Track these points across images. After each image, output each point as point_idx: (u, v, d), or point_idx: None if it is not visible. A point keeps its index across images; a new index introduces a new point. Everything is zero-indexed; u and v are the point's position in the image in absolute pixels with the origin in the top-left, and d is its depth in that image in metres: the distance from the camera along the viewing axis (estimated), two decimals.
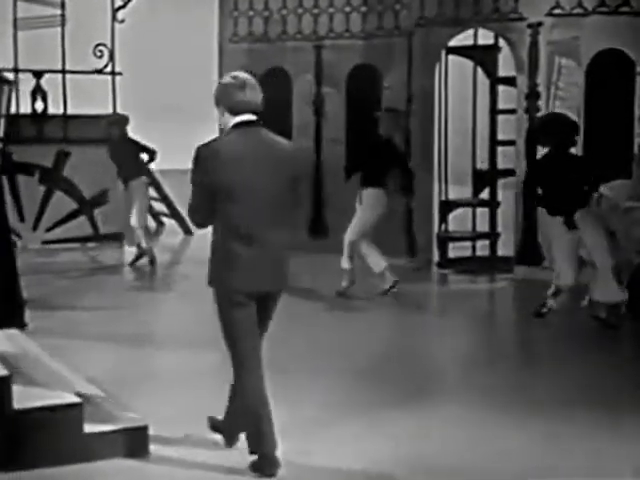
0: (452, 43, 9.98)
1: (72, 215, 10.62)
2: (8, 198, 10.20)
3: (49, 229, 10.59)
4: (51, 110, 10.61)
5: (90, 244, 10.64)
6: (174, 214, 12.11)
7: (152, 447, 4.40)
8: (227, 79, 4.21)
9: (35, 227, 10.55)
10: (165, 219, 12.42)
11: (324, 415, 5.03)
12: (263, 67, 10.76)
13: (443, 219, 10.04)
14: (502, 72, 10.12)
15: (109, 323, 7.13)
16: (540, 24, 9.29)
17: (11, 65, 10.34)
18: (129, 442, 4.32)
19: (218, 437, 4.52)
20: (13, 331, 5.87)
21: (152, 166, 11.93)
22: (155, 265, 9.53)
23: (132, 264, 9.55)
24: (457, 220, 10.47)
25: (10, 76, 7.13)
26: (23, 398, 4.18)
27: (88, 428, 4.25)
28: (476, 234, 10.17)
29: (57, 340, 6.35)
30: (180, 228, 12.08)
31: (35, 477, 4.10)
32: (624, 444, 4.65)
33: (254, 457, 4.22)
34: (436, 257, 10.00)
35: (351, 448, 4.57)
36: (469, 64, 10.22)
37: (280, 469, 4.17)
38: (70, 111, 10.63)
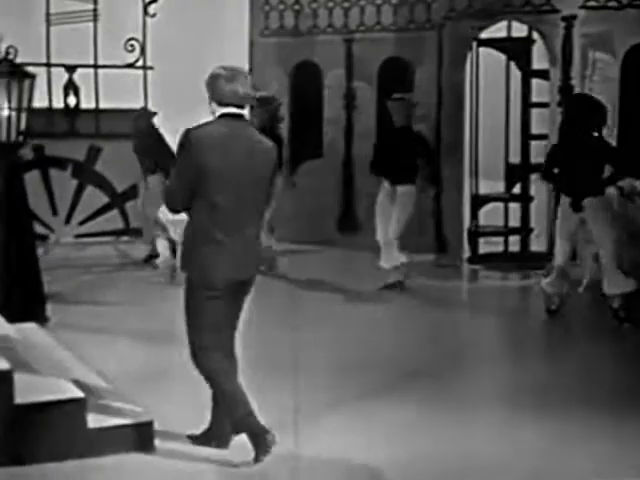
0: (485, 35, 9.86)
1: (104, 209, 10.67)
2: (41, 192, 10.46)
3: (81, 223, 10.65)
4: (83, 105, 10.66)
5: (121, 238, 10.66)
6: None
7: (158, 442, 4.39)
8: (217, 70, 4.23)
9: (67, 221, 10.61)
10: None
11: (365, 408, 5.05)
12: (294, 61, 10.76)
13: (474, 214, 9.91)
14: (535, 65, 9.97)
15: (130, 318, 7.13)
16: (574, 17, 9.13)
17: (44, 60, 10.44)
18: (134, 437, 4.31)
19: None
20: (30, 325, 5.91)
21: None
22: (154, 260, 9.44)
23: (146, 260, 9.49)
24: (489, 215, 10.34)
25: (32, 70, 7.11)
26: (27, 393, 4.19)
27: (92, 423, 4.24)
28: (507, 229, 10.03)
29: (76, 334, 6.38)
30: None
31: (38, 472, 4.10)
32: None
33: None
34: (467, 253, 9.89)
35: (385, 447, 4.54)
36: (503, 57, 10.08)
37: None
38: (102, 105, 10.67)
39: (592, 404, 5.20)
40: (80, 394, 4.26)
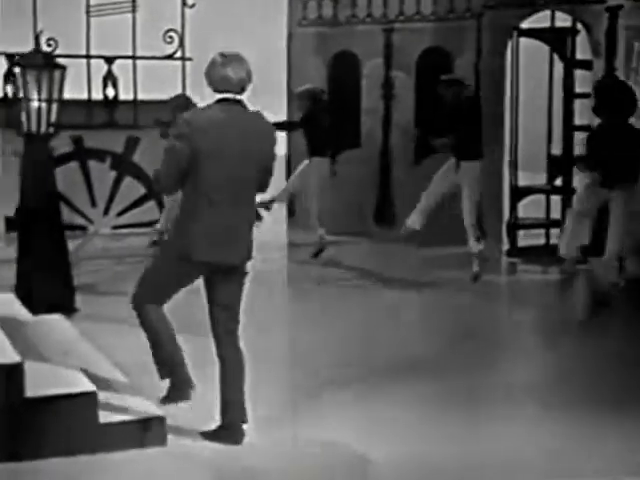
0: (528, 25, 9.66)
1: (141, 200, 10.69)
2: (80, 184, 10.52)
3: (119, 214, 10.69)
4: (122, 96, 10.69)
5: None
6: None
7: (170, 437, 4.35)
8: (214, 56, 4.28)
9: (106, 212, 10.66)
10: None
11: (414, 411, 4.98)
12: (332, 51, 10.67)
13: (513, 206, 9.73)
14: (579, 55, 9.74)
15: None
16: (620, 7, 8.90)
17: (83, 51, 10.48)
18: (145, 432, 4.26)
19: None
20: (56, 316, 5.91)
21: None
22: None
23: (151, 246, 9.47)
24: (531, 208, 10.15)
25: (62, 61, 7.12)
26: (39, 386, 4.17)
27: (104, 418, 4.21)
28: (547, 222, 9.82)
29: (102, 325, 6.39)
30: None
31: (48, 467, 4.08)
32: None
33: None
34: (506, 245, 9.72)
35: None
36: (545, 47, 9.87)
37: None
38: (140, 97, 10.69)
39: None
40: (91, 388, 4.24)
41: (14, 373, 4.04)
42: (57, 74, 6.78)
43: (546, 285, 8.81)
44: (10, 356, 4.15)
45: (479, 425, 4.80)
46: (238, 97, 4.22)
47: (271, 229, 11.08)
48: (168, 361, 4.45)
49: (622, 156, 6.96)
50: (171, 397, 4.50)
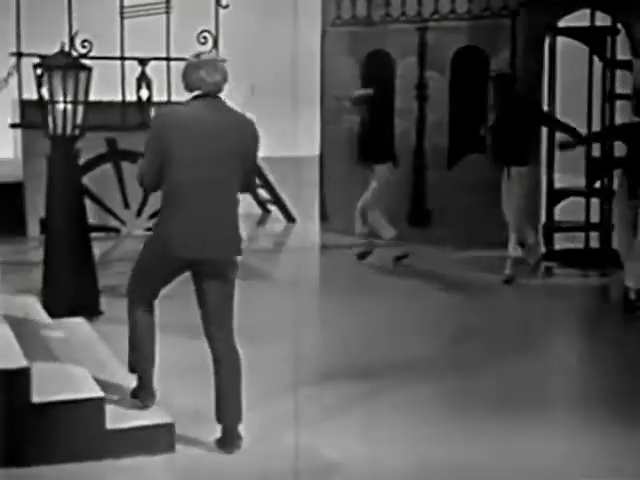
0: (566, 24, 9.45)
1: None
2: (114, 185, 10.52)
3: (151, 216, 10.65)
4: (156, 97, 10.67)
5: None
6: (277, 201, 12.00)
7: (179, 444, 4.28)
8: (189, 59, 4.30)
9: (139, 214, 10.66)
10: (271, 206, 12.32)
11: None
12: (366, 50, 10.56)
13: (550, 208, 9.52)
14: (620, 55, 9.50)
15: (178, 312, 7.03)
16: None
17: (118, 53, 10.49)
18: (154, 439, 4.20)
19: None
20: (77, 319, 5.88)
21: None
22: None
23: None
24: (570, 211, 9.93)
25: (88, 62, 7.10)
26: (47, 391, 4.12)
27: (111, 424, 4.15)
28: (585, 225, 9.58)
29: (125, 328, 6.33)
30: (283, 216, 11.97)
31: (54, 473, 4.03)
32: None
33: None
34: (543, 249, 9.52)
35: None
36: (585, 46, 9.65)
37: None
38: (174, 98, 10.65)
39: None
40: (99, 394, 4.17)
41: (20, 378, 3.99)
42: (83, 75, 6.75)
43: (583, 289, 8.60)
44: (17, 360, 4.11)
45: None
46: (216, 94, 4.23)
47: (304, 233, 11.04)
48: (138, 367, 4.47)
49: None
50: (134, 395, 4.48)
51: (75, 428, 4.07)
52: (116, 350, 5.29)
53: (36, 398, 4.02)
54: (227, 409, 4.27)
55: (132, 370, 4.52)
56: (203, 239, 4.18)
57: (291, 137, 12.30)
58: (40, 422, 4.02)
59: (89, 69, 6.86)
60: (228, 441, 4.27)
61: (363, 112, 8.88)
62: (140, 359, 4.44)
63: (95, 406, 4.09)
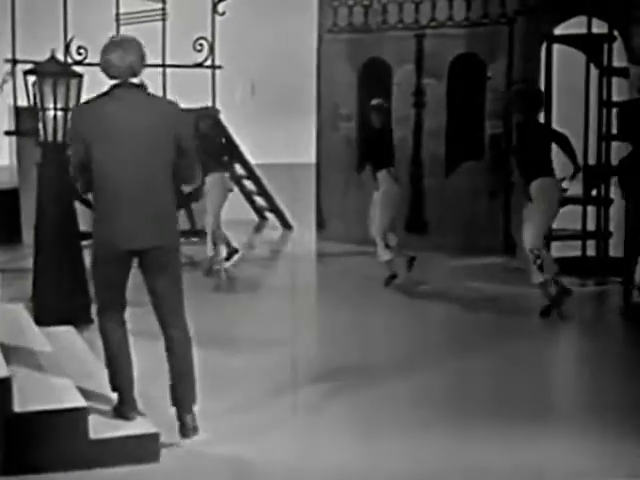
0: (563, 32, 9.43)
1: None
2: None
3: None
4: None
5: (190, 239, 10.59)
6: (273, 208, 11.97)
7: (164, 453, 4.23)
8: (105, 42, 4.29)
9: None
10: (267, 214, 12.30)
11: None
12: (363, 57, 10.55)
13: None
14: (616, 63, 9.46)
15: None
16: None
17: None
18: (138, 449, 4.14)
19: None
20: (66, 328, 5.83)
21: (251, 160, 11.87)
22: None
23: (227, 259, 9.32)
24: (567, 218, 9.88)
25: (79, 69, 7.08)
26: (29, 400, 4.07)
27: (95, 434, 4.09)
28: (581, 233, 9.53)
29: None
30: (280, 223, 11.93)
31: None
32: None
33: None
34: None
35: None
36: (582, 54, 9.61)
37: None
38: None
39: None
40: (83, 403, 4.12)
41: (1, 387, 3.94)
42: (74, 82, 6.72)
43: (580, 297, 8.55)
44: None
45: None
46: (134, 81, 4.20)
47: (300, 240, 11.00)
48: (116, 380, 4.40)
49: None
50: (117, 411, 4.40)
51: (58, 438, 4.01)
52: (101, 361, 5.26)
53: (18, 408, 3.97)
54: (181, 392, 4.33)
55: (113, 389, 4.43)
56: (140, 230, 4.20)
57: (288, 144, 12.27)
58: (22, 432, 3.97)
59: (80, 76, 6.82)
60: (184, 425, 4.29)
61: (376, 120, 8.71)
62: (115, 375, 4.38)
63: (78, 416, 4.03)
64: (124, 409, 4.34)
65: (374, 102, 8.84)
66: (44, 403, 4.09)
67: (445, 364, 5.98)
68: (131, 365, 4.41)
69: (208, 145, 9.12)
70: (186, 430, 4.29)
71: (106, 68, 4.20)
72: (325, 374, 5.65)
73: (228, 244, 9.10)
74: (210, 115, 9.44)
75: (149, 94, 4.30)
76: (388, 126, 8.75)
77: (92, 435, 4.07)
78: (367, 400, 5.22)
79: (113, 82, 4.23)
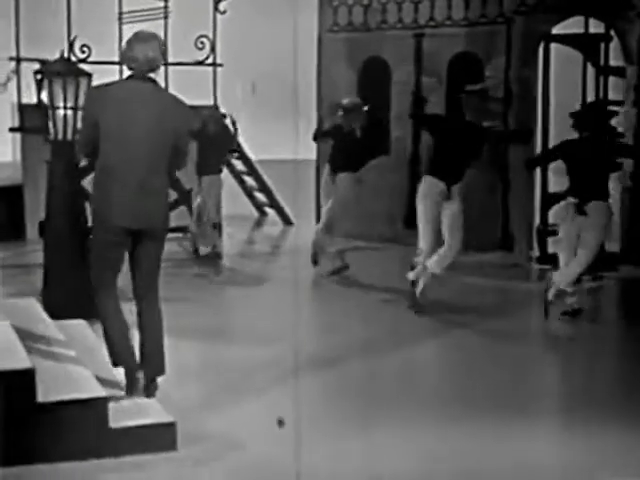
0: (560, 31, 9.58)
1: (172, 206, 10.69)
2: None
3: None
4: None
5: (185, 234, 10.70)
6: (274, 204, 12.11)
7: (180, 443, 4.38)
8: (129, 36, 4.66)
9: None
10: (268, 209, 12.44)
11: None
12: (363, 56, 10.67)
13: (543, 212, 9.64)
14: (613, 62, 9.62)
15: (180, 314, 7.15)
16: None
17: (116, 57, 10.56)
18: (156, 438, 4.29)
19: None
20: (78, 321, 5.96)
21: (252, 156, 12.00)
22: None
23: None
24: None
25: (87, 68, 7.19)
26: (51, 391, 4.22)
27: (114, 423, 4.25)
28: None
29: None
30: (280, 218, 12.07)
31: (57, 471, 4.12)
32: None
33: None
34: (537, 252, 9.64)
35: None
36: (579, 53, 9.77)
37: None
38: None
39: None
40: (102, 393, 4.27)
41: (25, 378, 4.09)
42: (83, 82, 6.84)
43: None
44: (22, 361, 4.20)
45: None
46: (150, 75, 4.52)
47: (301, 235, 11.12)
48: (115, 355, 4.72)
49: None
50: (127, 389, 4.68)
51: (79, 427, 4.16)
52: None
53: (41, 398, 4.12)
54: (150, 361, 4.63)
55: (114, 364, 4.74)
56: (135, 211, 4.51)
57: (288, 140, 12.38)
58: (45, 421, 4.11)
59: (89, 75, 6.94)
60: (148, 389, 4.62)
61: (351, 121, 8.68)
62: (115, 349, 4.68)
63: (99, 406, 4.18)
64: (128, 385, 4.61)
65: (343, 102, 8.83)
66: (66, 393, 4.24)
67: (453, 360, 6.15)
68: (129, 342, 4.71)
69: (210, 146, 9.25)
70: (146, 392, 4.60)
71: (128, 61, 4.53)
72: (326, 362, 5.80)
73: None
74: (215, 117, 9.57)
75: (160, 88, 4.67)
76: (354, 131, 8.59)
77: (112, 424, 4.22)
78: (373, 388, 5.39)
79: (130, 72, 4.58)
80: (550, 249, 9.50)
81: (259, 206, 12.51)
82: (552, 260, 9.37)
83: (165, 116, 4.53)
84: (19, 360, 4.20)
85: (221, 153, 9.47)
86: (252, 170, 11.98)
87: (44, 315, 5.60)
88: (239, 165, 12.04)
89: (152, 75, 4.55)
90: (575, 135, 7.12)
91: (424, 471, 4.28)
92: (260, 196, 12.37)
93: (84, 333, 5.68)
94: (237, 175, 12.22)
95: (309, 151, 11.31)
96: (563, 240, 7.27)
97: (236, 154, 9.93)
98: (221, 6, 10.83)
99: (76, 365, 4.73)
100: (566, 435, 4.81)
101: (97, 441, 4.18)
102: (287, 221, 11.95)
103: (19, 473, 4.07)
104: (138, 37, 4.55)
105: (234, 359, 5.95)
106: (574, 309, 7.21)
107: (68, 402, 4.15)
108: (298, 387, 5.30)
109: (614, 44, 9.33)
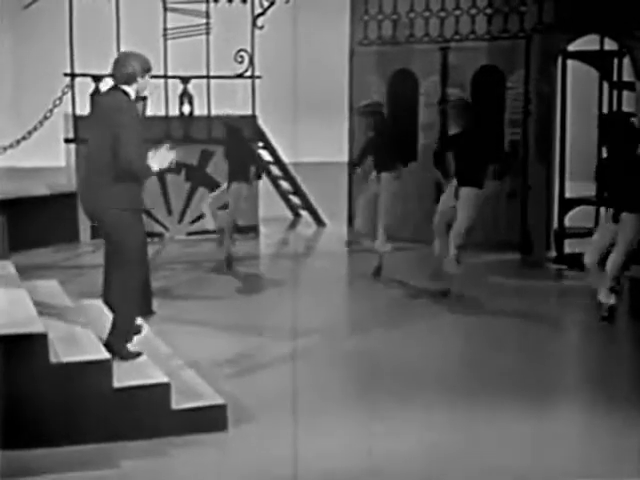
0: (577, 48, 10.19)
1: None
2: (158, 194, 11.32)
3: (192, 222, 11.50)
4: (197, 112, 11.47)
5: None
6: (307, 206, 12.77)
7: (231, 424, 5.08)
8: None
9: (180, 220, 11.49)
10: (301, 211, 13.09)
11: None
12: (391, 69, 11.33)
13: (561, 216, 10.26)
14: (626, 77, 10.20)
15: (220, 311, 7.86)
16: None
17: (162, 72, 11.30)
18: (210, 419, 5.01)
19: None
20: (95, 301, 6.60)
21: (285, 160, 12.62)
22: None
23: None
24: (582, 217, 10.61)
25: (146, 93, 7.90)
26: (122, 378, 4.97)
27: (175, 404, 4.98)
28: (592, 230, 10.28)
29: (177, 327, 7.18)
30: (313, 220, 12.74)
31: (127, 448, 4.83)
32: None
33: None
34: (554, 254, 10.25)
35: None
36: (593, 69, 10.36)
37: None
38: (214, 112, 11.43)
39: None
40: (165, 379, 5.01)
41: (104, 367, 4.84)
42: (140, 104, 7.59)
43: (590, 290, 9.27)
44: (101, 352, 4.96)
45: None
46: (123, 87, 5.43)
47: (333, 236, 11.78)
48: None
49: None
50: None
51: (146, 409, 4.89)
52: (170, 346, 6.13)
53: (117, 384, 4.86)
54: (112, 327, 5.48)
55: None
56: (90, 198, 5.51)
57: (319, 145, 13.11)
58: (119, 404, 4.86)
59: (144, 98, 7.69)
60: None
61: (370, 122, 9.24)
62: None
63: (163, 390, 4.92)
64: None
65: (361, 104, 9.35)
66: (134, 380, 4.98)
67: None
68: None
69: (236, 155, 9.73)
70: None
71: (112, 75, 5.51)
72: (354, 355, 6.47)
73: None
74: (235, 128, 9.87)
75: (120, 93, 5.43)
76: (386, 129, 9.22)
77: (174, 406, 4.96)
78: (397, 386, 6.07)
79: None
80: (567, 250, 10.14)
81: (293, 208, 13.17)
82: (568, 261, 10.05)
83: (109, 113, 5.39)
84: (99, 351, 4.95)
85: (243, 162, 9.67)
86: (286, 174, 12.66)
87: (66, 297, 6.30)
88: (275, 170, 12.74)
89: (127, 87, 5.44)
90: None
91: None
92: (294, 199, 13.04)
93: (102, 312, 6.25)
94: (273, 179, 12.91)
95: (341, 154, 12.03)
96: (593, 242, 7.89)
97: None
98: (259, 22, 11.53)
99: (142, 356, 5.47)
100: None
101: (158, 422, 4.90)
102: (320, 222, 12.63)
103: (97, 449, 4.79)
104: (120, 56, 5.59)
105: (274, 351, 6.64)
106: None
107: (138, 387, 4.90)
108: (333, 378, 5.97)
109: (628, 61, 9.91)
